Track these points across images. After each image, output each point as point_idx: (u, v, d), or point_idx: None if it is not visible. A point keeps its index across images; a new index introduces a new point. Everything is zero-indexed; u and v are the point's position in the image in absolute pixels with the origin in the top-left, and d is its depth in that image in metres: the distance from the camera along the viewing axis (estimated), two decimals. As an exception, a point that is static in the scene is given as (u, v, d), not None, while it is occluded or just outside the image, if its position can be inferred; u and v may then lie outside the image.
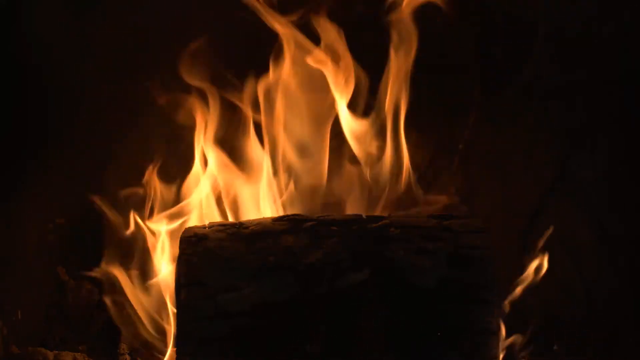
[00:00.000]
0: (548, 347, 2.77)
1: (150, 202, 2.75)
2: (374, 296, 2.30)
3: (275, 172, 2.69)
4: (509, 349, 2.61)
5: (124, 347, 2.75)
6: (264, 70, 2.71)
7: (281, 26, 2.69)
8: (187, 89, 2.78)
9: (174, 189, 2.75)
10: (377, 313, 2.30)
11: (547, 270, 2.66)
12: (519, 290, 2.63)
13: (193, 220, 2.68)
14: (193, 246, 2.35)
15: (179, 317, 2.33)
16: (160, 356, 2.69)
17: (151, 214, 2.74)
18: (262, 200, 2.67)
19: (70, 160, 2.86)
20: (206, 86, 2.75)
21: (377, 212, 2.69)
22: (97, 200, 2.78)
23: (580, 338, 2.79)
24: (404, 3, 2.69)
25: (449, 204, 2.76)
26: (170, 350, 2.62)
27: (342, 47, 2.69)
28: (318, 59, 2.68)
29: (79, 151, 2.86)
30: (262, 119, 2.71)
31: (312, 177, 2.69)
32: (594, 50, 2.84)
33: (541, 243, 2.69)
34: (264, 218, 2.44)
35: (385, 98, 2.69)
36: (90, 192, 2.81)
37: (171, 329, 2.63)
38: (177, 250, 2.39)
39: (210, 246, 2.35)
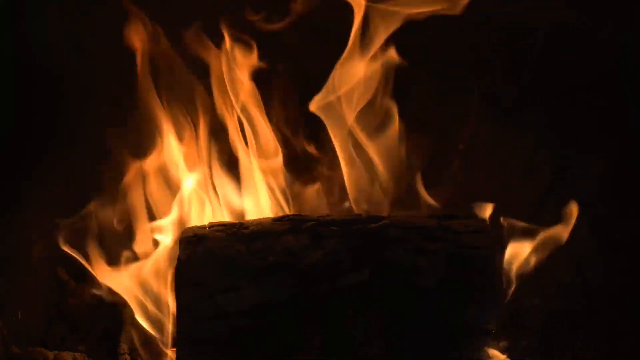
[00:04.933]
0: (547, 347, 2.77)
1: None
2: (374, 296, 2.30)
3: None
4: (509, 349, 2.61)
5: (124, 347, 2.75)
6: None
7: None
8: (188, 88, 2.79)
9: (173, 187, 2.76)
10: (377, 313, 2.30)
11: (547, 270, 2.66)
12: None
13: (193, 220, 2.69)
14: (193, 246, 2.35)
15: (178, 317, 2.34)
16: (160, 356, 2.69)
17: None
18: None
19: (71, 160, 2.86)
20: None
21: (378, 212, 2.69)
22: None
23: (580, 338, 2.79)
24: None
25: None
26: (170, 350, 2.62)
27: None
28: None
29: (80, 152, 2.86)
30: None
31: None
32: (593, 50, 2.84)
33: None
34: (264, 218, 2.45)
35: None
36: (90, 192, 2.81)
37: (171, 329, 2.63)
38: (177, 250, 2.39)
39: (210, 246, 2.35)
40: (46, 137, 2.82)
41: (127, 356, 2.74)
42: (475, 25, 2.84)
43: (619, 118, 2.84)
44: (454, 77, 2.86)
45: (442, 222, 2.38)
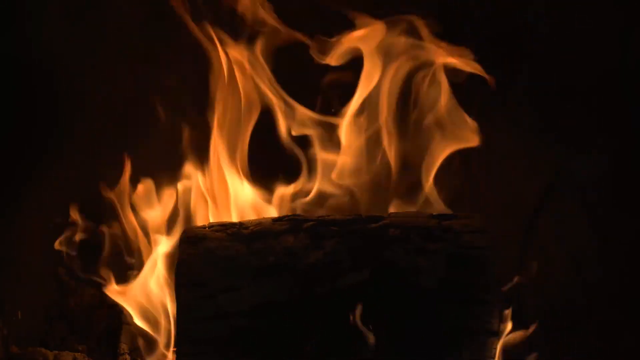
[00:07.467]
0: (547, 346, 2.77)
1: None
2: (374, 296, 2.30)
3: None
4: (509, 349, 2.61)
5: (124, 347, 2.75)
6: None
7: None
8: (189, 89, 2.79)
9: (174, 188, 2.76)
10: (377, 313, 2.30)
11: (547, 271, 2.66)
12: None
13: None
14: (193, 246, 2.35)
15: (178, 317, 2.33)
16: (160, 357, 2.69)
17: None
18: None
19: (71, 160, 2.86)
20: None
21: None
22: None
23: (580, 338, 2.79)
24: None
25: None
26: (170, 350, 2.62)
27: None
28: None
29: (80, 151, 2.86)
30: None
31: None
32: (593, 50, 2.84)
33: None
34: (264, 218, 2.44)
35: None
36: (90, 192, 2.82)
37: (171, 329, 2.63)
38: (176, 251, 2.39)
39: (210, 246, 2.35)
40: (46, 137, 2.82)
41: (127, 356, 2.74)
42: (476, 24, 2.84)
43: (619, 118, 2.84)
44: (453, 77, 2.86)
45: (442, 222, 2.38)
